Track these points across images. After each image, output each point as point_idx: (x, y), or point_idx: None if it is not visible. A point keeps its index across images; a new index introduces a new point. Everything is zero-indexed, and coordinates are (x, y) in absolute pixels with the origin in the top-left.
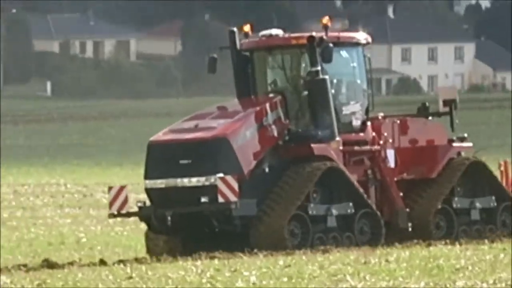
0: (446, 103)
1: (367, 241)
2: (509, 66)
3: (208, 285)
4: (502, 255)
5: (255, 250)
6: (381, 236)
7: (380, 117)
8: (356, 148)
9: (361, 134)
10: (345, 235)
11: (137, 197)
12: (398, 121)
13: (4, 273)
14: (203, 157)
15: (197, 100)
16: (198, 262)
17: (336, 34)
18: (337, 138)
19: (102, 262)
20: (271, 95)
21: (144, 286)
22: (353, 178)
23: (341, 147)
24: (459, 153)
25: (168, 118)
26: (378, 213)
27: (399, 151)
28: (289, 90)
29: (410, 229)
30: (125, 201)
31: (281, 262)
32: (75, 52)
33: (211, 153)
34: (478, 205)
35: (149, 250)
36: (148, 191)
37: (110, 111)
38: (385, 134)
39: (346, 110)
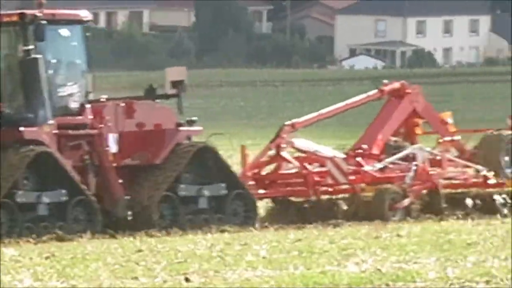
0: (174, 84)
1: (82, 230)
2: None
3: (218, 258)
4: None
5: (266, 224)
6: (98, 224)
7: (102, 100)
8: (72, 132)
9: (79, 117)
10: (58, 224)
11: None
12: (123, 104)
13: (13, 245)
14: None
15: (210, 72)
16: (208, 236)
17: (51, 11)
18: (51, 121)
19: (112, 236)
20: None
21: (154, 259)
22: (68, 163)
23: (55, 131)
24: (189, 138)
25: None
26: (95, 200)
27: (123, 135)
28: (2, 70)
29: (130, 217)
30: None
31: (291, 236)
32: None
33: None
34: (206, 192)
35: None
36: None
37: (122, 83)
38: (107, 117)
39: (62, 91)
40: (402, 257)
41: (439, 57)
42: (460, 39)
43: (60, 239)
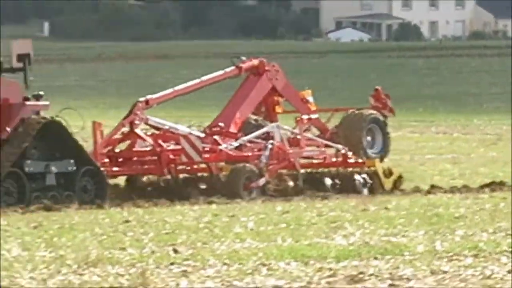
0: (20, 58)
1: None
2: (510, 13)
3: (206, 230)
4: (502, 204)
5: (253, 196)
6: None
7: None
8: None
9: None
10: None
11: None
12: None
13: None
14: None
15: (196, 43)
16: (196, 207)
17: None
18: None
19: (99, 206)
20: None
21: (141, 230)
22: None
23: None
24: (38, 113)
25: (166, 61)
26: None
27: None
28: None
29: None
30: None
31: (279, 208)
32: None
33: None
34: (54, 169)
35: None
36: None
37: (108, 53)
38: None
39: None
40: (390, 230)
41: (425, 30)
42: (446, 13)
43: (47, 208)
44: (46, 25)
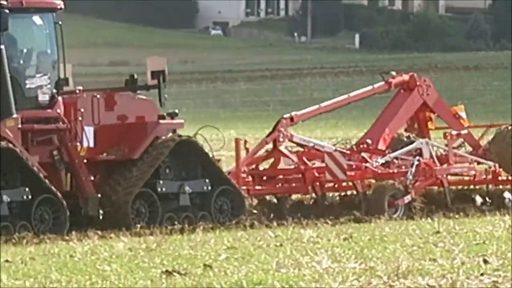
0: (154, 75)
1: (48, 230)
2: None
3: None
4: None
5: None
6: (65, 224)
7: (77, 91)
8: (37, 126)
9: (49, 110)
10: (20, 224)
11: None
12: (98, 96)
13: (310, 226)
14: None
15: (507, 54)
16: (506, 217)
17: None
18: (15, 115)
19: (410, 217)
20: None
21: (452, 241)
22: (35, 159)
23: (20, 125)
24: (174, 131)
25: (477, 72)
26: (61, 198)
27: (101, 129)
28: None
29: (101, 216)
30: None
31: None
32: (383, 4)
33: None
34: (188, 189)
35: None
36: None
37: (419, 64)
38: (82, 110)
39: (30, 83)
40: None
41: None
42: None
43: (357, 220)
44: (357, 37)
